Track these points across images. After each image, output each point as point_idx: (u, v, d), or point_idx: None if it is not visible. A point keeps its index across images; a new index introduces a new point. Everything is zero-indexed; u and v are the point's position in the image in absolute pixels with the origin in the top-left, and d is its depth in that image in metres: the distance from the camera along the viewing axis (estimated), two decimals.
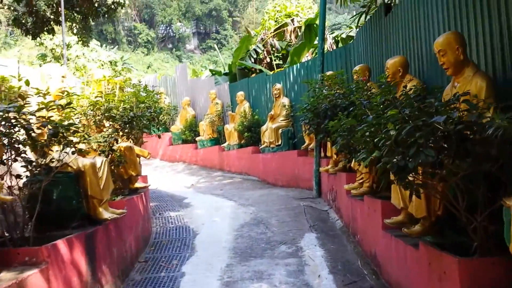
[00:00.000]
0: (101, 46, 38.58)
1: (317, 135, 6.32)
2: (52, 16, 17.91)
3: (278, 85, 10.24)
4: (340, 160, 6.62)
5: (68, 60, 28.88)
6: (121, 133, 5.21)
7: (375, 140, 2.86)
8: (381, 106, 3.21)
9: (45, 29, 18.14)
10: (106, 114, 4.75)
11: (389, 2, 7.25)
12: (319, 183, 8.04)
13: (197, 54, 62.90)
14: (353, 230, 5.55)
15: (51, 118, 3.59)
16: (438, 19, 4.71)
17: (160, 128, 15.57)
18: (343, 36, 12.58)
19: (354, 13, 11.79)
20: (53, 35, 20.21)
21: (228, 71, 14.72)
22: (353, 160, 5.01)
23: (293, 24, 13.54)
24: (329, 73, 8.21)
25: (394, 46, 6.13)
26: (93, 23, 18.96)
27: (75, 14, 17.07)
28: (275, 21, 15.28)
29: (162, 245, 5.65)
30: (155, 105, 6.80)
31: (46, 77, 4.19)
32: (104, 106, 4.80)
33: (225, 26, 63.36)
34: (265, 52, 13.60)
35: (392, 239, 3.91)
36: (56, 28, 18.76)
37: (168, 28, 62.81)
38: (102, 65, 29.19)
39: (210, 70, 16.10)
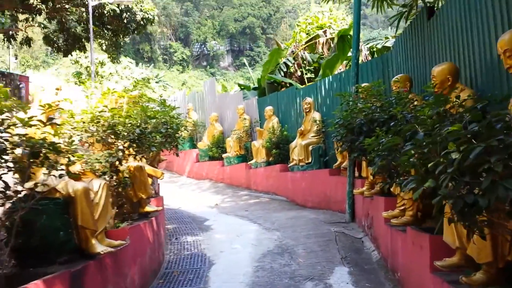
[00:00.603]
0: (137, 64, 39.22)
1: (350, 153, 5.57)
2: (83, 34, 18.07)
3: (309, 99, 9.56)
4: (377, 182, 5.84)
5: (102, 77, 29.34)
6: (127, 152, 4.66)
7: (429, 165, 2.14)
8: (433, 120, 2.48)
9: (76, 46, 18.31)
10: (109, 131, 4.22)
11: (431, 5, 6.48)
12: (352, 206, 7.24)
13: (230, 71, 63.44)
14: (392, 266, 4.73)
15: (45, 136, 3.06)
16: (496, 18, 3.93)
17: (181, 145, 15.15)
18: (379, 46, 11.79)
19: (390, 29, 11.04)
20: (84, 52, 20.37)
21: (257, 86, 14.16)
22: (394, 185, 4.25)
23: (325, 36, 12.88)
24: (364, 85, 7.50)
25: (439, 53, 5.36)
26: (124, 40, 18.98)
27: (105, 31, 17.08)
28: (307, 34, 14.66)
29: (173, 278, 5.01)
30: (172, 121, 6.25)
31: (38, 89, 3.70)
32: (107, 121, 4.28)
33: (258, 43, 63.89)
34: (295, 65, 12.96)
35: (444, 287, 3.11)
36: (87, 45, 18.91)
37: (203, 46, 64.07)
38: (135, 82, 29.39)
39: (239, 85, 15.60)
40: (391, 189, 4.88)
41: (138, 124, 4.44)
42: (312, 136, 9.38)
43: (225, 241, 6.40)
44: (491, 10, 4.03)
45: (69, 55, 23.24)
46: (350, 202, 7.26)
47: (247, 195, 10.72)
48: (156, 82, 36.21)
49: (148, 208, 5.35)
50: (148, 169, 5.56)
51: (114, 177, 4.56)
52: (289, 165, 9.74)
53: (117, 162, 4.27)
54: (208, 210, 9.50)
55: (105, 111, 4.41)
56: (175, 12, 64.24)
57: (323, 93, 9.58)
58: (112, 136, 4.31)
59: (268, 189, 10.58)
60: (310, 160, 9.20)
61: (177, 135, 6.39)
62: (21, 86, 19.18)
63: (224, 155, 12.58)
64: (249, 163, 11.41)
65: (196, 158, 14.34)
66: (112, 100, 5.23)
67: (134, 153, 4.82)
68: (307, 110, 9.53)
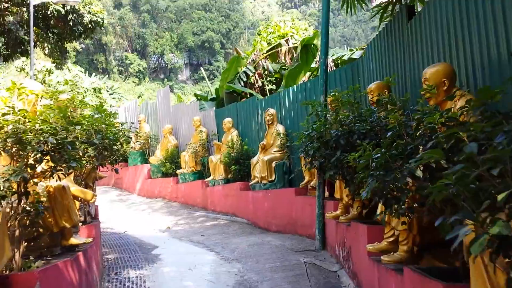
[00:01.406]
0: (91, 75, 37.34)
1: (324, 171, 4.68)
2: (26, 37, 16.48)
3: (272, 110, 8.71)
4: (355, 206, 4.99)
5: (49, 86, 27.39)
6: (46, 166, 3.55)
7: (500, 197, 1.25)
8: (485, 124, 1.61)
9: (18, 50, 16.69)
10: (11, 139, 3.11)
11: (411, 3, 5.81)
12: (323, 231, 6.37)
13: (189, 85, 62.41)
14: None
15: None
16: (496, 14, 3.22)
17: (132, 159, 13.93)
18: (345, 58, 11.18)
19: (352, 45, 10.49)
20: (26, 58, 18.68)
21: (215, 96, 13.21)
22: (385, 212, 3.38)
23: (288, 45, 12.16)
24: (332, 94, 6.73)
25: (425, 56, 4.63)
26: (70, 45, 17.53)
27: (49, 34, 15.62)
28: (268, 43, 13.91)
29: None
30: (110, 130, 5.17)
31: None
32: (8, 127, 3.16)
33: (217, 57, 63.52)
34: (256, 75, 12.13)
35: None
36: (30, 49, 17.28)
37: (160, 58, 63.29)
38: (85, 91, 27.66)
39: (195, 95, 14.57)
40: (377, 216, 4.04)
41: (54, 132, 3.36)
42: (276, 151, 8.50)
43: (175, 277, 5.31)
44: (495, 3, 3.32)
45: (12, 62, 21.38)
46: (320, 227, 6.38)
47: (204, 217, 9.65)
48: (110, 94, 34.48)
49: (74, 241, 4.21)
50: (75, 190, 4.43)
51: (23, 201, 3.43)
52: (250, 183, 8.79)
53: (23, 181, 3.15)
54: (158, 234, 8.35)
55: (10, 114, 3.29)
56: (132, 23, 62.76)
57: (287, 104, 8.76)
58: (18, 146, 3.19)
59: (227, 210, 9.56)
60: (273, 178, 8.30)
61: (115, 147, 5.30)
62: None
63: (178, 171, 11.46)
64: (206, 180, 10.36)
65: (148, 174, 13.11)
66: (30, 101, 4.10)
67: (52, 168, 3.71)
68: (270, 122, 8.66)
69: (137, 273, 5.51)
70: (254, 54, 12.39)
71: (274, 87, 12.70)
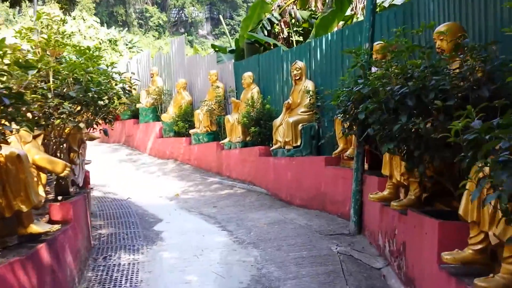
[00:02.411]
0: (110, 27, 35.95)
1: (382, 141, 3.40)
2: None
3: (300, 63, 7.36)
4: (411, 187, 3.75)
5: (63, 36, 26.21)
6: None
7: None
8: None
9: None
10: None
11: None
12: (360, 212, 5.18)
13: (209, 40, 60.71)
14: None
15: None
16: None
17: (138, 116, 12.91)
18: (385, 5, 9.55)
19: None
20: (31, 2, 17.40)
21: (234, 48, 11.80)
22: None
23: None
24: (377, 44, 5.38)
25: None
26: None
27: None
28: None
29: None
30: (94, 80, 3.98)
31: None
32: None
33: (239, 11, 61.38)
34: (282, 23, 10.63)
35: None
36: None
37: (181, 12, 61.83)
38: (100, 43, 26.45)
39: (213, 46, 13.16)
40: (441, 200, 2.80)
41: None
42: (303, 112, 7.23)
43: (176, 267, 4.25)
44: None
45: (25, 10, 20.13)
46: (356, 207, 5.18)
47: (218, 183, 8.57)
48: (129, 48, 33.14)
49: (34, 228, 3.13)
50: (40, 159, 3.30)
51: None
52: (271, 148, 7.58)
53: None
54: (165, 203, 7.34)
55: None
56: None
57: (318, 57, 7.38)
58: None
59: (244, 177, 8.44)
60: (299, 143, 7.07)
61: (101, 102, 4.13)
62: None
63: (191, 131, 10.32)
64: (221, 142, 9.20)
65: (159, 133, 12.03)
66: None
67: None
68: (297, 78, 7.34)
69: (131, 259, 4.47)
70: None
71: (301, 38, 11.21)
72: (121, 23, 53.88)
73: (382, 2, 9.75)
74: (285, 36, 11.06)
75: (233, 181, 8.54)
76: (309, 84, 7.25)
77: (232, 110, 9.22)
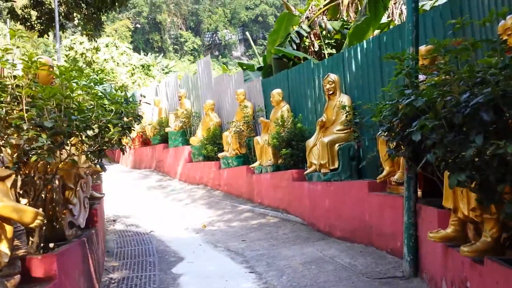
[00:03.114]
0: (146, 54, 36.55)
1: (449, 171, 2.56)
2: (62, 10, 15.28)
3: (333, 76, 6.59)
4: (486, 226, 2.86)
5: (93, 63, 26.67)
6: None
7: None
8: None
9: (53, 24, 15.53)
10: None
11: None
12: (415, 250, 4.28)
13: (244, 61, 61.01)
14: None
15: None
16: None
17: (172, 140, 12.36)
18: (426, 8, 8.67)
19: None
20: (63, 32, 17.61)
21: (262, 65, 11.18)
22: None
23: None
24: (423, 47, 4.59)
25: None
26: (106, 15, 16.18)
27: (81, 4, 14.22)
28: None
29: None
30: (84, 105, 3.36)
31: None
32: None
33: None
34: (311, 35, 9.92)
35: None
36: (65, 23, 16.11)
37: (214, 35, 63.15)
38: (133, 69, 26.70)
39: (240, 64, 12.60)
40: None
41: None
42: (339, 130, 6.42)
43: None
44: None
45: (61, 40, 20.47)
46: (410, 244, 4.29)
47: (249, 212, 7.81)
48: (165, 72, 33.30)
49: None
50: (2, 207, 2.63)
51: None
52: (305, 172, 6.78)
53: None
54: (190, 236, 6.66)
55: None
56: (185, 0, 62.40)
57: (353, 68, 6.59)
58: None
59: (277, 204, 7.66)
60: (336, 165, 6.25)
61: (91, 132, 3.50)
62: None
63: (220, 155, 9.69)
64: (251, 166, 8.48)
65: (189, 157, 11.48)
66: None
67: None
68: (331, 92, 6.56)
69: None
70: (309, 10, 10.15)
71: (334, 51, 10.44)
72: (157, 49, 55.22)
73: (423, 5, 8.89)
74: (316, 50, 10.32)
75: (265, 208, 7.76)
76: (344, 99, 6.45)
77: (261, 130, 8.52)
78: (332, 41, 10.94)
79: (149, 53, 40.63)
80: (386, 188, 5.24)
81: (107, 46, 27.06)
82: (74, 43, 27.61)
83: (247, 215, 7.63)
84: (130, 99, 5.50)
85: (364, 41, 6.58)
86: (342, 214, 5.89)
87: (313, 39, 9.93)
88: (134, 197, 9.83)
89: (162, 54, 49.25)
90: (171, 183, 11.58)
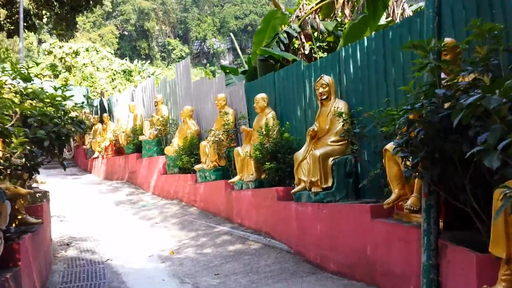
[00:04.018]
0: (132, 61, 35.38)
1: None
2: (31, 8, 14.14)
3: (327, 78, 5.61)
4: None
5: (73, 68, 25.44)
6: None
7: None
8: None
9: (23, 25, 14.38)
10: None
11: None
12: None
13: None
14: None
15: None
16: None
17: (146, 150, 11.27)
18: None
19: None
20: (35, 33, 16.41)
21: (246, 68, 10.16)
22: None
23: None
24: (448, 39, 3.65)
25: None
26: (79, 16, 15.10)
27: (54, 2, 13.09)
28: None
29: None
30: None
31: None
32: None
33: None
34: (302, 36, 8.94)
35: None
36: (37, 23, 14.93)
37: (203, 43, 62.61)
38: (114, 74, 25.50)
39: (222, 67, 11.56)
40: None
41: None
42: (334, 142, 5.40)
43: None
44: None
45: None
46: None
47: (226, 234, 6.71)
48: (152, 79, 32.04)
49: None
50: None
51: None
52: (293, 190, 5.72)
53: None
54: (153, 267, 5.52)
55: None
56: (174, 8, 61.79)
57: (351, 69, 5.61)
58: None
59: (259, 227, 6.57)
60: (330, 184, 5.22)
61: None
62: None
63: (196, 167, 8.59)
64: (230, 181, 7.38)
65: (163, 169, 10.35)
66: None
67: None
68: (324, 97, 5.56)
69: None
70: (300, 9, 9.18)
71: (325, 54, 9.48)
72: (144, 56, 54.12)
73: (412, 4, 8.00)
74: (306, 52, 9.35)
75: (245, 231, 6.67)
76: (340, 105, 5.46)
77: (243, 140, 7.46)
78: (324, 44, 10.00)
79: (135, 60, 39.56)
80: (393, 214, 4.21)
81: (87, 50, 25.87)
82: (54, 47, 26.35)
83: (224, 238, 6.52)
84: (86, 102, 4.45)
85: (365, 37, 5.59)
86: (338, 243, 4.84)
87: (303, 40, 8.94)
88: (98, 214, 8.65)
89: (149, 61, 48.18)
90: (143, 197, 10.41)
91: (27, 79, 3.90)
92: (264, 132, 6.52)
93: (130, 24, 57.09)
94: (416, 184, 3.75)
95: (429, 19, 3.67)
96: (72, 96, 4.32)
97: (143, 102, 13.04)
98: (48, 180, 12.85)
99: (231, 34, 12.28)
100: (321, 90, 5.59)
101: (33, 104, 3.87)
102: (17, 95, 4.05)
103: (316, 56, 9.20)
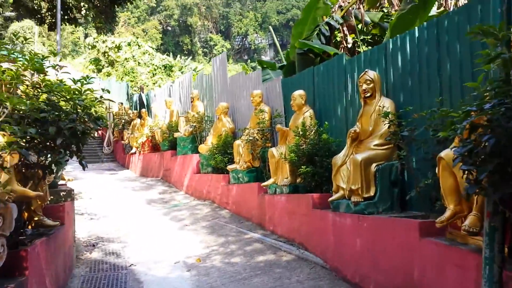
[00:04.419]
0: (175, 57, 35.72)
1: None
2: (71, 1, 14.24)
3: (371, 73, 5.01)
4: None
5: (116, 62, 25.77)
6: None
7: None
8: None
9: (65, 18, 14.51)
10: None
11: None
12: None
13: None
14: None
15: None
16: None
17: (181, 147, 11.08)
18: None
19: None
20: (76, 26, 16.59)
21: (285, 63, 9.62)
22: None
23: None
24: None
25: None
26: (150, 23, 15.05)
27: None
28: None
29: None
30: None
31: None
32: None
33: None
34: (345, 28, 8.31)
35: None
36: (78, 16, 15.05)
37: (244, 39, 62.60)
38: (155, 69, 25.66)
39: (259, 62, 11.06)
40: None
41: None
42: (378, 145, 4.81)
43: None
44: None
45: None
46: None
47: (257, 242, 6.25)
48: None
49: None
50: None
51: None
52: (330, 198, 5.17)
53: None
54: (177, 276, 5.16)
55: None
56: (216, 3, 62.11)
57: (399, 63, 4.97)
58: None
59: (292, 236, 6.06)
60: (372, 193, 4.63)
61: None
62: None
63: (229, 167, 8.18)
64: (263, 184, 6.90)
65: (196, 168, 10.03)
66: None
67: None
68: (368, 94, 4.98)
69: None
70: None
71: (371, 48, 8.78)
72: (186, 52, 54.76)
73: None
74: (349, 46, 8.70)
75: (277, 239, 6.18)
76: (386, 103, 4.85)
77: (278, 141, 6.96)
78: (369, 37, 9.30)
79: (178, 56, 39.90)
80: (446, 233, 3.59)
81: (129, 44, 26.16)
82: (97, 42, 26.84)
83: (255, 246, 6.06)
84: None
85: (416, 27, 4.93)
86: (380, 262, 4.26)
87: (346, 32, 8.30)
88: (128, 213, 8.43)
89: (191, 57, 48.58)
90: (176, 196, 10.14)
91: (39, 70, 3.58)
92: (301, 133, 5.98)
93: (174, 19, 57.91)
94: (476, 200, 3.13)
95: (496, 3, 3.03)
96: (91, 90, 3.97)
97: (180, 98, 12.81)
98: (84, 176, 12.91)
99: (271, 28, 11.85)
100: (364, 86, 5.00)
101: (49, 97, 3.56)
102: (30, 88, 3.75)
103: (359, 50, 8.53)
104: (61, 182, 6.41)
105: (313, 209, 5.47)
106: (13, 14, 24.08)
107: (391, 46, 5.19)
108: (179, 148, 11.07)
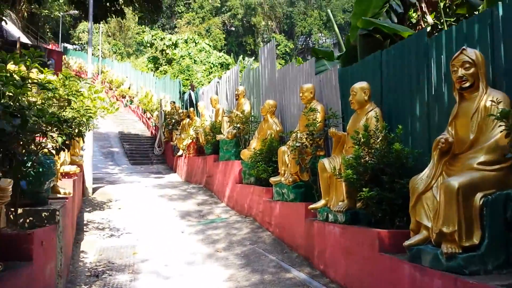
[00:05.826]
0: (238, 57, 34.98)
1: None
2: None
3: (471, 52, 3.26)
4: None
5: (173, 60, 25.17)
6: None
7: None
8: None
9: (112, 9, 13.77)
10: None
11: None
12: None
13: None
14: None
15: None
16: None
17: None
18: None
19: None
20: (122, 19, 15.84)
21: (344, 49, 7.88)
22: None
23: None
24: None
25: None
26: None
27: None
28: None
29: None
30: None
31: None
32: None
33: None
34: (423, 5, 6.44)
35: None
36: (127, 10, 14.24)
37: (308, 39, 61.25)
38: (211, 67, 24.74)
39: (314, 51, 9.34)
40: None
41: None
42: (485, 163, 3.04)
43: None
44: None
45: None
46: None
47: (301, 287, 4.63)
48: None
49: None
50: None
51: None
52: (407, 242, 3.43)
53: None
54: None
55: None
56: (280, 3, 61.13)
57: None
58: None
59: (350, 283, 4.36)
60: (477, 240, 2.87)
61: None
62: (49, 62, 15.45)
63: (272, 179, 6.63)
64: (311, 207, 5.24)
65: (239, 176, 8.58)
66: None
67: None
68: (467, 84, 3.25)
69: None
70: None
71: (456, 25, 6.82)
72: (249, 52, 54.16)
73: None
74: (428, 28, 6.79)
75: (329, 285, 4.52)
76: (499, 97, 3.07)
77: (332, 149, 5.30)
78: (453, 19, 7.32)
79: (241, 56, 39.08)
80: None
81: (186, 42, 25.47)
82: (155, 39, 26.47)
83: None
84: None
85: None
86: None
87: (425, 10, 6.42)
88: (155, 230, 7.18)
89: (254, 57, 47.76)
90: (215, 208, 8.76)
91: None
92: (362, 139, 4.29)
93: (237, 19, 57.61)
94: None
95: None
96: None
97: (227, 95, 11.46)
98: (128, 179, 11.93)
99: (335, 26, 10.28)
100: (461, 72, 3.26)
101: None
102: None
103: (442, 28, 6.61)
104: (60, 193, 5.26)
105: (380, 253, 3.76)
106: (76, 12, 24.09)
107: (500, 13, 3.39)
108: (221, 153, 9.70)
